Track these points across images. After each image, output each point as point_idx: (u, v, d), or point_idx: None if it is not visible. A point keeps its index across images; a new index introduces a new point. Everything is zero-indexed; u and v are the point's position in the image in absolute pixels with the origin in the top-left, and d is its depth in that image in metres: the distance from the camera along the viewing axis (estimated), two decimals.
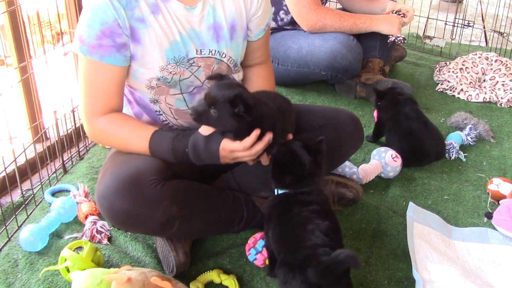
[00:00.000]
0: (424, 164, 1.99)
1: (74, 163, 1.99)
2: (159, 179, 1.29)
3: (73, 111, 1.98)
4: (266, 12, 1.49)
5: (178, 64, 1.36)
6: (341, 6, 2.71)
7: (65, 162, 1.94)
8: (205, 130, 1.28)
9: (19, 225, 1.61)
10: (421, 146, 1.98)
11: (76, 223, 1.62)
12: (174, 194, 1.31)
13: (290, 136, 1.36)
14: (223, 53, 1.42)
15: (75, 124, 2.01)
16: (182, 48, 1.35)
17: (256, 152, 1.26)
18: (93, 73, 1.32)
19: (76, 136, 2.04)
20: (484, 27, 3.84)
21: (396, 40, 2.39)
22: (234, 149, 1.26)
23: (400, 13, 2.45)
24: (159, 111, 1.45)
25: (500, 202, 1.75)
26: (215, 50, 1.40)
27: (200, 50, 1.38)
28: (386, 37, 2.45)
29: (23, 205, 1.71)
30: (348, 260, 1.05)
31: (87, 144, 2.09)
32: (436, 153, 2.02)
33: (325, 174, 1.64)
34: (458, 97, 2.66)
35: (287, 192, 1.30)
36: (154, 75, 1.36)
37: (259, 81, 1.59)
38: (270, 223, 1.30)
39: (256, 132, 1.23)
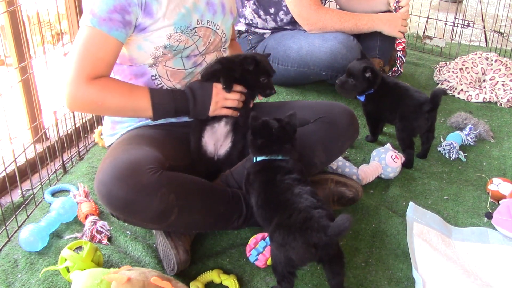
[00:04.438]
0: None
1: (74, 163, 1.99)
2: (157, 168, 1.31)
3: (73, 111, 1.98)
4: (234, 3, 1.78)
5: (183, 32, 1.51)
6: (339, 7, 2.72)
7: (65, 162, 1.94)
8: None
9: (19, 225, 1.61)
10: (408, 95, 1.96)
11: (76, 223, 1.62)
12: (172, 182, 1.32)
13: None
14: (217, 25, 1.61)
15: (75, 124, 2.01)
16: (187, 18, 1.51)
17: (241, 97, 1.55)
18: (96, 43, 1.41)
19: (76, 136, 2.04)
20: (484, 27, 3.84)
21: (403, 52, 2.52)
22: (228, 97, 1.52)
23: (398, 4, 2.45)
24: (155, 75, 1.55)
25: (500, 202, 1.75)
26: (211, 22, 1.58)
27: (201, 20, 1.55)
28: (386, 37, 2.46)
29: (23, 205, 1.71)
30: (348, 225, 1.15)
31: (87, 144, 2.09)
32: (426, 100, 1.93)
33: (322, 167, 1.66)
34: (458, 97, 2.66)
35: (265, 159, 1.39)
36: (161, 43, 1.49)
37: (231, 45, 1.85)
38: (252, 189, 1.38)
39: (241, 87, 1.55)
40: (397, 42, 2.55)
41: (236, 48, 1.89)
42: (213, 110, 1.52)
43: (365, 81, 1.97)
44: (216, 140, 1.58)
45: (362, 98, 2.07)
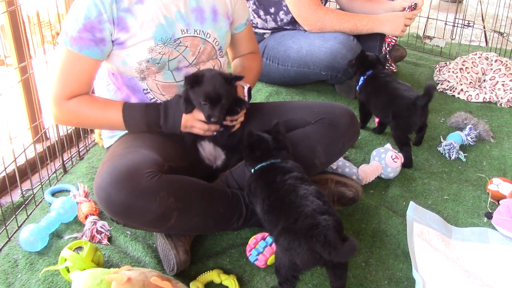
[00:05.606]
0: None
1: (74, 163, 1.99)
2: (156, 172, 1.30)
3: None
4: (244, 7, 1.67)
5: (165, 44, 1.45)
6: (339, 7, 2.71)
7: (65, 162, 1.94)
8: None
9: (19, 225, 1.61)
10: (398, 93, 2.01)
11: (76, 223, 1.62)
12: (171, 185, 1.32)
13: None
14: (208, 33, 1.53)
15: None
16: (168, 30, 1.45)
17: (210, 130, 1.49)
18: (70, 63, 1.42)
19: (76, 136, 2.04)
20: (484, 27, 3.84)
21: (389, 46, 2.46)
22: (199, 118, 1.45)
23: (409, 6, 2.43)
24: (147, 89, 1.51)
25: (500, 202, 1.75)
26: (200, 30, 1.51)
27: (186, 29, 1.49)
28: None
29: (23, 205, 1.71)
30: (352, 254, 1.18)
31: (87, 144, 2.09)
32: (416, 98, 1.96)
33: (323, 168, 1.66)
34: (458, 97, 2.66)
35: (263, 164, 1.39)
36: (143, 58, 1.44)
37: (244, 61, 1.74)
38: (256, 198, 1.37)
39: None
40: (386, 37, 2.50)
41: (249, 64, 1.73)
42: (183, 128, 1.48)
43: (354, 66, 2.17)
44: (209, 155, 1.55)
45: (357, 87, 2.18)
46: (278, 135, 1.43)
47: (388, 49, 2.49)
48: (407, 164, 1.98)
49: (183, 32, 1.47)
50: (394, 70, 2.64)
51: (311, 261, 1.20)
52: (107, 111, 1.47)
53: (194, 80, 1.41)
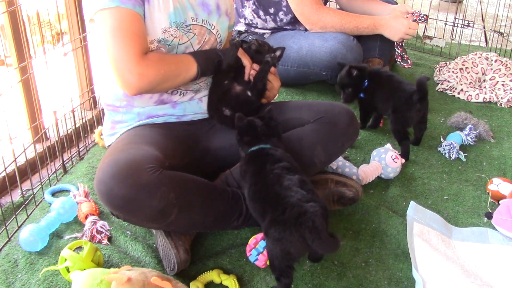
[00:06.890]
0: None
1: (74, 163, 1.99)
2: (157, 167, 1.31)
3: (73, 111, 1.98)
4: (233, 5, 1.78)
5: (178, 28, 1.50)
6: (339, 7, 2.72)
7: (65, 162, 1.94)
8: None
9: (19, 225, 1.61)
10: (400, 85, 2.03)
11: (76, 223, 1.62)
12: (172, 181, 1.32)
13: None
14: (213, 25, 1.61)
15: (75, 124, 2.01)
16: (182, 14, 1.51)
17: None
18: (127, 21, 1.39)
19: (76, 136, 2.04)
20: (484, 27, 3.84)
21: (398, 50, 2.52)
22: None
23: (416, 15, 2.44)
24: None
25: (500, 202, 1.75)
26: (206, 21, 1.59)
27: (196, 18, 1.56)
28: (387, 38, 2.46)
29: (23, 205, 1.71)
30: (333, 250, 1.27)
31: (87, 144, 2.09)
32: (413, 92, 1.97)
33: (322, 167, 1.67)
34: (458, 97, 2.66)
35: (253, 149, 1.42)
36: (156, 37, 1.48)
37: None
38: (245, 182, 1.40)
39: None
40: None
41: None
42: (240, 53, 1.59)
43: (358, 80, 2.11)
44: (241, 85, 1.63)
45: (362, 95, 2.16)
46: (270, 121, 1.46)
47: (400, 44, 2.51)
48: (404, 156, 2.00)
49: (193, 20, 1.54)
50: (406, 67, 2.60)
51: (304, 247, 1.22)
52: (182, 61, 1.50)
53: (243, 41, 1.69)
